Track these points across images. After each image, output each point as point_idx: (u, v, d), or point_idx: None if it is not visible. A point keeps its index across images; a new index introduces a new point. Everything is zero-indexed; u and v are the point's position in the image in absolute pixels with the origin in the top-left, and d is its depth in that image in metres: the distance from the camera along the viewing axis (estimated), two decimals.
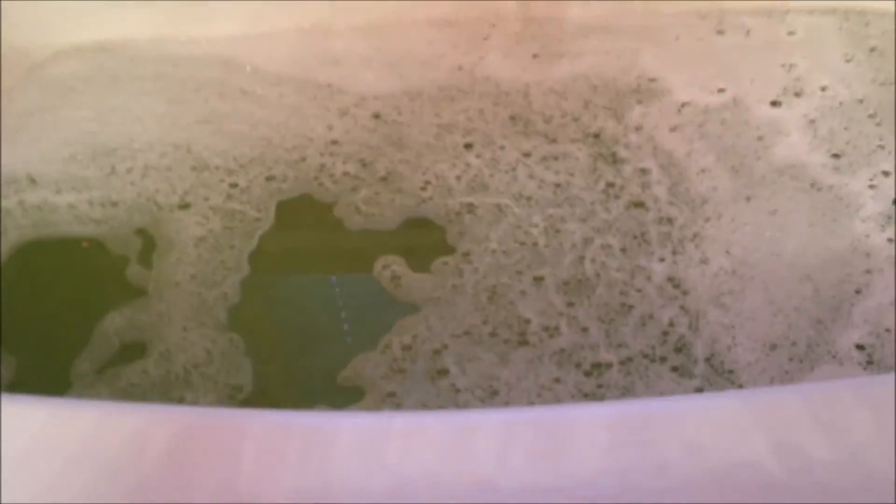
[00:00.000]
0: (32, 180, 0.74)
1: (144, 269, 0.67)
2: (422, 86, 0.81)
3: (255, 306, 0.65)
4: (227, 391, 0.59)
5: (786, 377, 0.58)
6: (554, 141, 0.76)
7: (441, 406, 0.57)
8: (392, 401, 0.58)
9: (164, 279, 0.66)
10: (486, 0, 0.87)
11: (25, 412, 0.41)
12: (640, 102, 0.79)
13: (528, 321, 0.62)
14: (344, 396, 0.59)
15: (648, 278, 0.64)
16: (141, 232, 0.70)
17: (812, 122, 0.76)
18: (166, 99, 0.81)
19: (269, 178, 0.73)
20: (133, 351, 0.62)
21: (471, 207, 0.71)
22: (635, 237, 0.67)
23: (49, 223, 0.71)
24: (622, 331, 0.61)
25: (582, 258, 0.66)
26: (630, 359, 0.59)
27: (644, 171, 0.73)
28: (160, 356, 0.61)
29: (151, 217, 0.71)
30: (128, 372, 0.61)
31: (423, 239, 0.69)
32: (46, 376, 0.62)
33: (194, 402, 0.58)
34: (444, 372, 0.59)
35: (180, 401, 0.59)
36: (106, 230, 0.70)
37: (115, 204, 0.72)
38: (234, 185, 0.73)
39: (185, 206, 0.71)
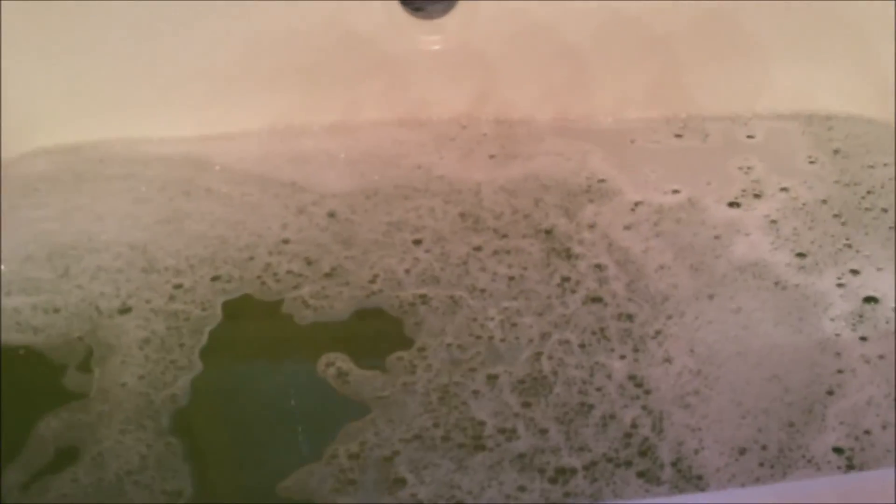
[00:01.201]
0: None
1: (85, 373, 0.63)
2: (380, 184, 0.81)
3: (204, 407, 0.62)
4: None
5: (758, 483, 0.54)
6: (505, 236, 0.75)
7: None
8: None
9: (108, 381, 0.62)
10: (461, 101, 0.87)
11: None
12: (591, 201, 0.78)
13: (482, 423, 0.59)
14: None
15: (609, 377, 0.61)
16: (80, 340, 0.66)
17: (774, 222, 0.76)
18: (131, 199, 0.79)
19: (215, 279, 0.71)
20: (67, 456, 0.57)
21: (424, 299, 0.68)
22: (594, 333, 0.65)
23: None
24: (583, 433, 0.58)
25: (539, 354, 0.63)
26: (594, 463, 0.56)
27: (600, 267, 0.71)
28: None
29: (91, 324, 0.67)
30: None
31: (378, 331, 0.67)
32: None
33: None
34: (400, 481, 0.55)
35: None
36: (43, 339, 0.66)
37: (57, 311, 0.68)
38: (178, 287, 0.70)
39: (125, 310, 0.68)
